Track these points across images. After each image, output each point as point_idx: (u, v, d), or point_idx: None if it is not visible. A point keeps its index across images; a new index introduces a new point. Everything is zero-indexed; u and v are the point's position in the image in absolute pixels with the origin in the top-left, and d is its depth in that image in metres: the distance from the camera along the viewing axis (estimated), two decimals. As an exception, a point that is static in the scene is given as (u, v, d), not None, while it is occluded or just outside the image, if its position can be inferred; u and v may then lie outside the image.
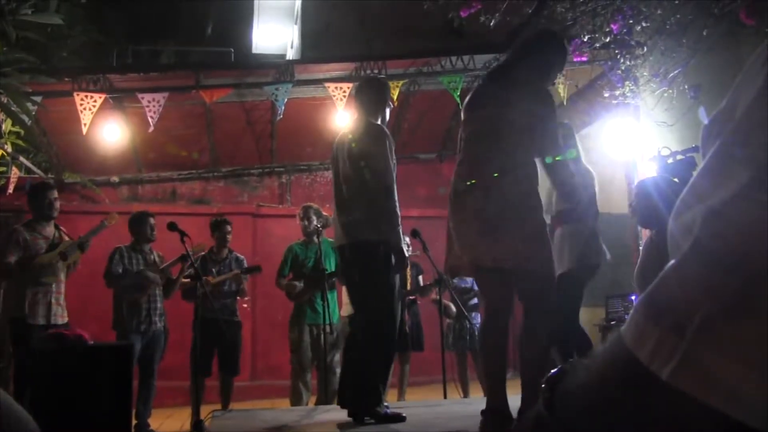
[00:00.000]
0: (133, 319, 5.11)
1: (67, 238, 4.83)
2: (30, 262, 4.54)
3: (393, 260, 3.33)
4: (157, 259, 5.36)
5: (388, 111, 3.70)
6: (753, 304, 0.43)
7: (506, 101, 2.86)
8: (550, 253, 2.82)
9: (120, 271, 5.16)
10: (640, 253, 4.23)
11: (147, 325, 5.14)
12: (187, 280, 5.35)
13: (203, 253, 5.50)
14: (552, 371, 0.58)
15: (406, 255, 3.43)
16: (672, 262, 0.48)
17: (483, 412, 2.81)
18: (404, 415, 3.28)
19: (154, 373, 5.24)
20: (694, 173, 0.51)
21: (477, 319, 6.12)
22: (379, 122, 3.57)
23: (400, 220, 3.37)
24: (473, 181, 2.83)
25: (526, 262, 2.73)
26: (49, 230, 4.77)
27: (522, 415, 2.74)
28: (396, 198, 3.36)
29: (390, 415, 3.27)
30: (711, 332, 0.44)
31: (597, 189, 4.07)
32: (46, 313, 4.57)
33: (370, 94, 3.64)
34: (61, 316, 4.67)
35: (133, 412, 4.55)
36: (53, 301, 4.62)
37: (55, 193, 4.86)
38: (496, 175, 2.77)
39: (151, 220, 5.33)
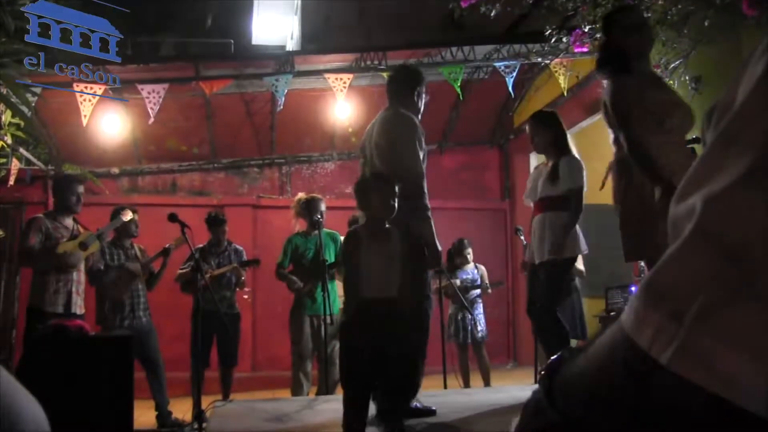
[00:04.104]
0: (116, 315, 5.13)
1: (83, 231, 4.86)
2: (52, 249, 4.57)
3: (425, 255, 3.17)
4: (138, 253, 5.37)
5: (422, 100, 3.51)
6: (751, 291, 0.43)
7: None
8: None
9: (101, 267, 5.16)
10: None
11: (131, 320, 5.16)
12: (187, 270, 5.36)
13: (184, 244, 5.43)
14: (551, 359, 0.58)
15: (440, 249, 3.27)
16: (672, 247, 0.48)
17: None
18: (434, 408, 3.14)
19: (157, 361, 5.26)
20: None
21: (477, 310, 6.14)
22: (410, 112, 3.37)
23: (431, 213, 3.23)
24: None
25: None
26: (69, 222, 4.82)
27: None
28: (426, 190, 3.21)
29: (421, 409, 3.12)
30: (709, 319, 0.44)
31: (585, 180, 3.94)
32: (66, 302, 4.59)
33: (401, 83, 3.51)
34: (79, 306, 4.69)
35: (152, 404, 4.93)
36: (74, 290, 4.65)
37: (82, 188, 4.92)
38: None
39: (134, 216, 5.33)
